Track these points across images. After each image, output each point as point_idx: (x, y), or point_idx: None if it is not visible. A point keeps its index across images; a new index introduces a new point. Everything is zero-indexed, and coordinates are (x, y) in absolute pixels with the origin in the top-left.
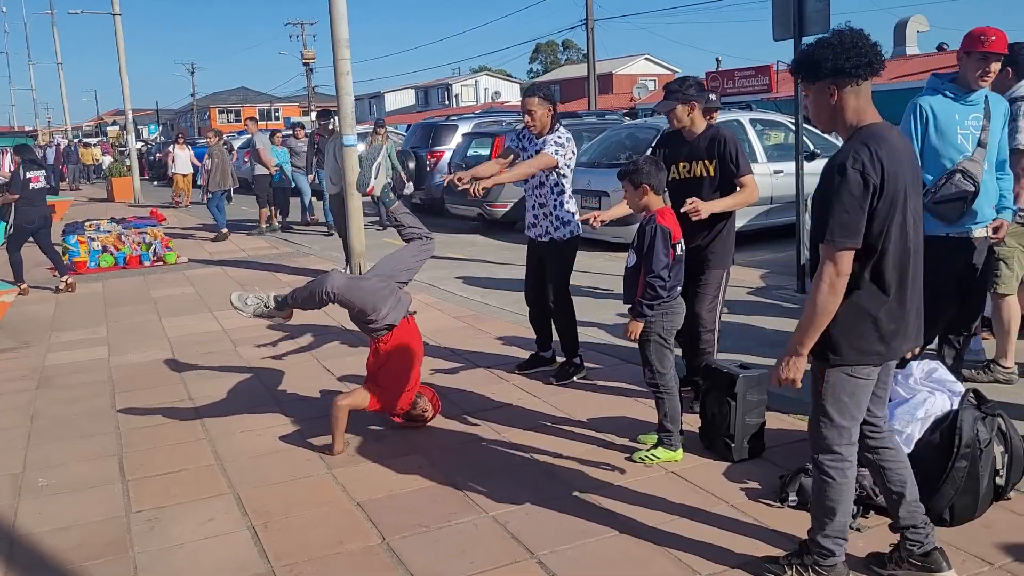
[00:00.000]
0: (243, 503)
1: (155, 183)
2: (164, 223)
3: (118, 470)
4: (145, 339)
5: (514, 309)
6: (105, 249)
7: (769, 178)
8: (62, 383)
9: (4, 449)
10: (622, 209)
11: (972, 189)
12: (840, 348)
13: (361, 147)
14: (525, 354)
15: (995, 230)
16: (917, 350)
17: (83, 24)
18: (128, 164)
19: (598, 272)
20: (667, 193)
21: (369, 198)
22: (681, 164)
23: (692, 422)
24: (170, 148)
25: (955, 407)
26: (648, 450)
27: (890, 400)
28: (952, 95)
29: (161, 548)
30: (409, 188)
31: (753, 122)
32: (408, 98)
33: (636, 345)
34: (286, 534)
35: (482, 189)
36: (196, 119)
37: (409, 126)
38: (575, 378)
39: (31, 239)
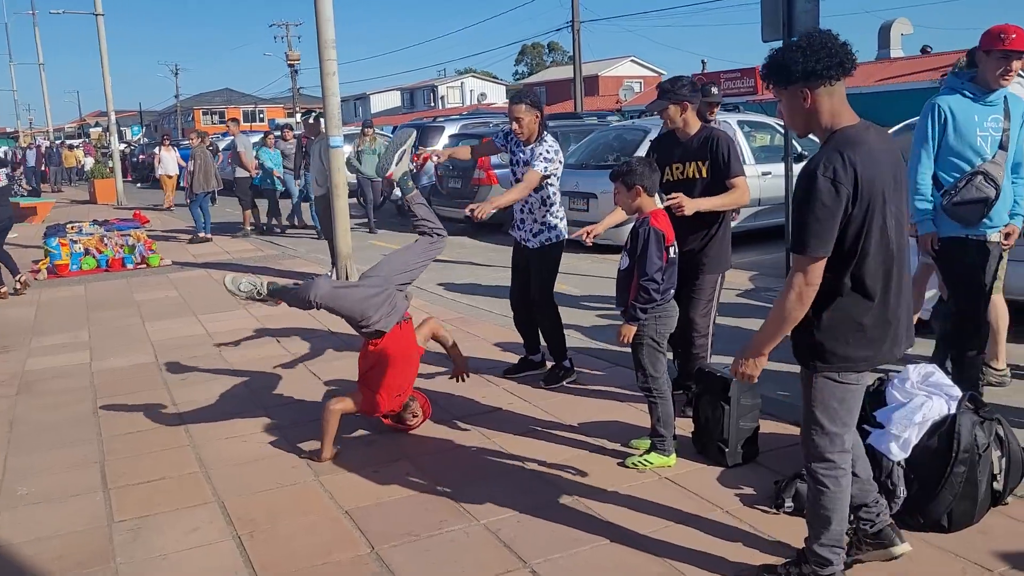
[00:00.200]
0: (228, 512)
1: (138, 185)
2: (147, 225)
3: (100, 478)
4: (128, 343)
5: (502, 312)
6: (87, 252)
7: (757, 180)
8: (43, 389)
9: None
10: (614, 219)
11: (994, 193)
12: (827, 355)
13: (347, 148)
14: (514, 358)
15: (1006, 236)
16: None
17: (65, 24)
18: (111, 166)
19: (585, 274)
20: (661, 195)
21: (353, 199)
22: (675, 166)
23: (684, 426)
24: (156, 150)
25: (952, 411)
26: (641, 455)
27: (887, 404)
28: (971, 95)
29: (144, 559)
30: (396, 193)
31: (741, 123)
32: (394, 100)
33: (628, 349)
34: (272, 544)
35: (483, 215)
36: (180, 120)
37: (395, 127)
38: (565, 382)
39: None
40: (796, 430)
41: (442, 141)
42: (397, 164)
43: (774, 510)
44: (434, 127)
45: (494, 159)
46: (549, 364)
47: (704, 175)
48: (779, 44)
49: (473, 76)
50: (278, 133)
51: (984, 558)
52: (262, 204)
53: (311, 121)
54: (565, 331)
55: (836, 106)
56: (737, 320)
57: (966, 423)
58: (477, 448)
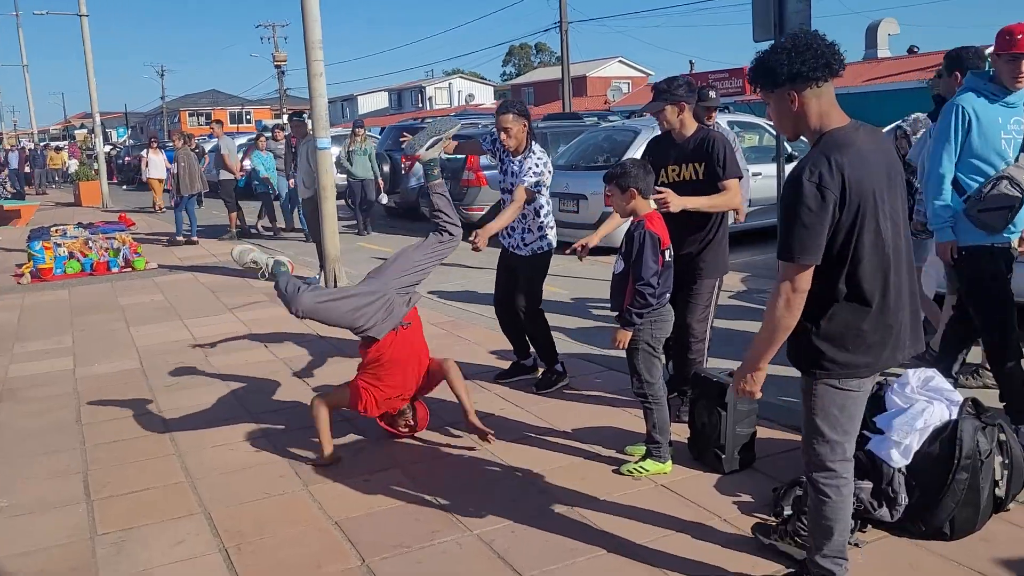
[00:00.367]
0: (214, 523)
1: (124, 187)
2: (133, 228)
3: (83, 489)
4: (113, 349)
5: (493, 315)
6: (72, 255)
7: (747, 180)
8: (25, 396)
9: None
10: (607, 228)
11: (1020, 196)
12: (826, 362)
13: (336, 150)
14: (506, 362)
15: (1021, 241)
16: None
17: (50, 25)
18: (96, 168)
19: (577, 276)
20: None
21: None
22: (671, 168)
23: (679, 432)
24: (144, 152)
25: (954, 417)
26: (636, 462)
27: (887, 409)
28: (993, 96)
29: (128, 573)
30: (383, 198)
31: (731, 124)
32: (381, 101)
33: (621, 353)
34: (260, 556)
35: (483, 245)
36: (166, 122)
37: (383, 129)
38: (558, 386)
39: None
40: (793, 435)
41: None
42: (428, 148)
43: (773, 518)
44: (422, 128)
45: (483, 160)
46: (541, 369)
47: (700, 177)
48: (771, 44)
49: (461, 77)
50: (268, 134)
51: (987, 566)
52: (255, 206)
53: (297, 121)
54: (556, 335)
55: (825, 107)
56: (730, 322)
57: (968, 429)
58: (469, 455)
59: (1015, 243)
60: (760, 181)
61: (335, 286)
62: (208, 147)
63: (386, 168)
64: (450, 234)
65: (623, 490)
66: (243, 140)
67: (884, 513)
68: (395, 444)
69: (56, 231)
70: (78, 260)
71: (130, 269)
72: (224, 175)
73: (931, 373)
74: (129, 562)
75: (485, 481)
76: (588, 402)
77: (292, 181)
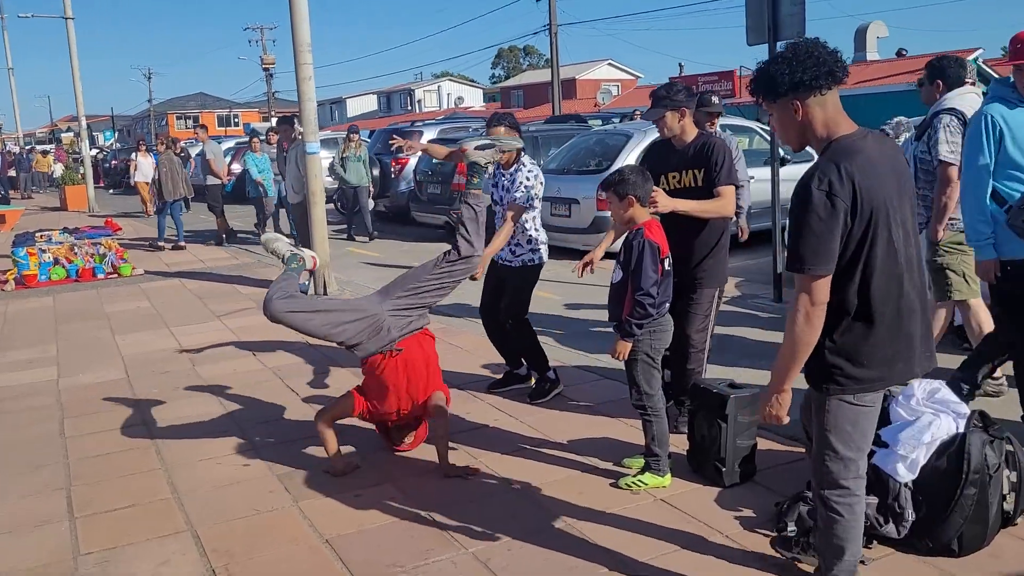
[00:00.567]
0: (202, 542)
1: (111, 191)
2: (119, 233)
3: (66, 506)
4: (98, 358)
5: None
6: (56, 261)
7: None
8: (6, 408)
9: None
10: (609, 240)
11: None
12: (840, 377)
13: (325, 154)
14: (498, 371)
15: None
16: None
17: (35, 28)
18: (82, 172)
19: (570, 282)
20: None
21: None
22: (671, 175)
23: (677, 443)
24: (132, 156)
25: (961, 430)
26: (635, 476)
27: (892, 423)
28: (1018, 103)
29: None
30: (370, 204)
31: (723, 127)
32: (370, 103)
33: (614, 361)
34: None
35: (483, 272)
36: (153, 125)
37: (372, 132)
38: (552, 395)
39: None
40: (794, 446)
41: None
42: (477, 147)
43: (776, 534)
44: (412, 131)
45: None
46: (534, 378)
47: (700, 184)
48: (764, 49)
49: (450, 80)
50: (263, 137)
51: None
52: (241, 210)
53: (285, 126)
54: (549, 342)
55: (831, 115)
56: (726, 328)
57: (976, 443)
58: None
59: None
60: (752, 185)
61: (324, 292)
62: (194, 151)
63: (375, 172)
64: (458, 252)
65: (622, 504)
66: (231, 144)
67: (891, 529)
68: (386, 458)
69: (41, 236)
70: (63, 266)
71: (116, 275)
72: (211, 180)
73: (937, 384)
74: None
75: (480, 496)
76: (583, 412)
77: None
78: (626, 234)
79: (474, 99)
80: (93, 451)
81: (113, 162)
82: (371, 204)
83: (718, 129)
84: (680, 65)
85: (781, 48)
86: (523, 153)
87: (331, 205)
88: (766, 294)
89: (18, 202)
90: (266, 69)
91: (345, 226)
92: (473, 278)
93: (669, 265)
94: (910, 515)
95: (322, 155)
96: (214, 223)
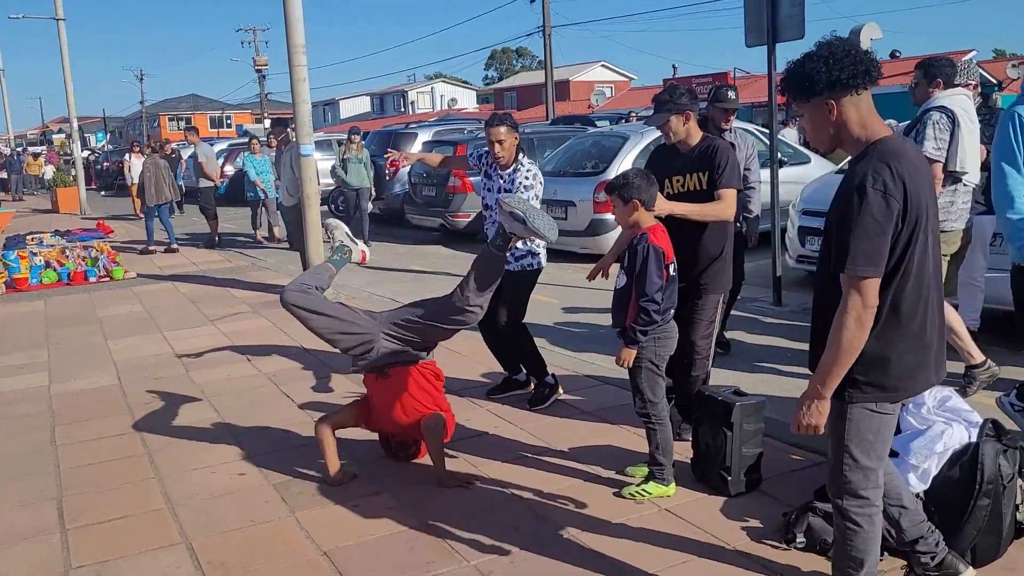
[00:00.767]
0: (197, 554)
1: (103, 193)
2: (112, 236)
3: (57, 517)
4: (90, 363)
5: None
6: (48, 265)
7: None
8: None
9: None
10: (619, 247)
11: None
12: (866, 385)
13: (318, 155)
14: (496, 377)
15: None
16: None
17: (26, 29)
18: (74, 174)
19: (568, 285)
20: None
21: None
22: (675, 179)
23: (680, 449)
24: (126, 157)
25: (973, 439)
26: (638, 485)
27: (903, 432)
28: None
29: None
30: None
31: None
32: (363, 105)
33: (614, 367)
34: None
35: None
36: (146, 127)
37: (366, 134)
38: (551, 401)
39: None
40: (798, 453)
41: (416, 147)
42: (520, 204)
43: (784, 545)
44: (407, 133)
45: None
46: (534, 384)
47: (705, 187)
48: (763, 51)
49: (443, 81)
50: (262, 139)
51: None
52: (234, 212)
53: (279, 128)
54: (548, 345)
55: (865, 116)
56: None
57: (989, 452)
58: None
59: None
60: None
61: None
62: (186, 154)
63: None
64: (465, 296)
65: (626, 515)
66: (223, 145)
67: None
68: (385, 467)
69: (32, 239)
70: (55, 269)
71: (108, 279)
72: (203, 182)
73: (948, 393)
74: None
75: (481, 506)
76: (583, 418)
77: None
78: (631, 239)
79: (467, 101)
80: (85, 460)
81: (105, 164)
82: (369, 207)
83: (733, 127)
84: (674, 67)
85: (812, 47)
86: (522, 153)
87: (325, 207)
88: (765, 297)
89: (9, 204)
90: (259, 70)
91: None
92: None
93: (674, 270)
94: None
95: (315, 157)
96: (207, 226)
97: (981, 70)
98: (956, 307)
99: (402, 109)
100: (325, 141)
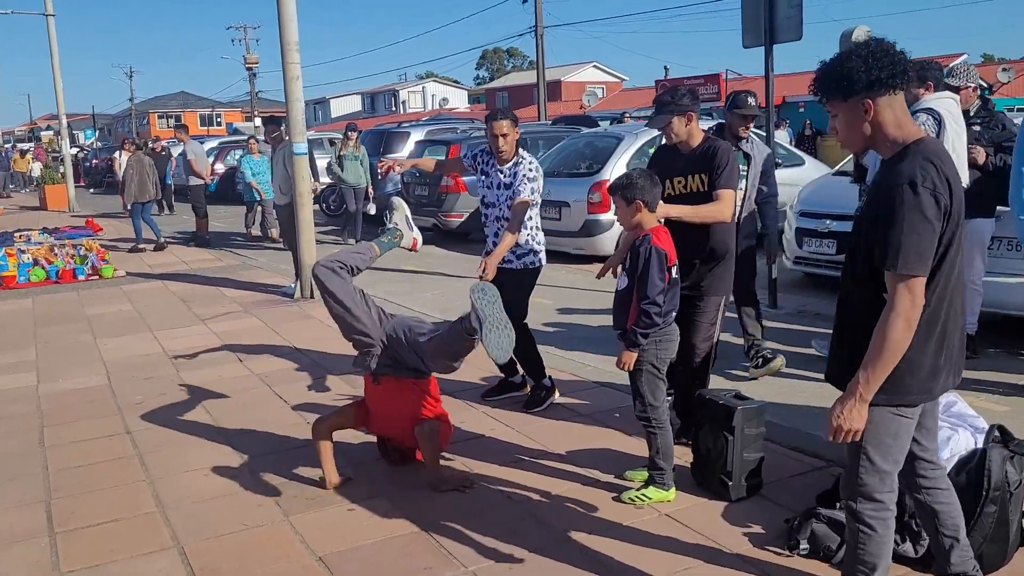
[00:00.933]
0: (189, 559)
1: (91, 191)
2: (101, 233)
3: (46, 520)
4: (79, 363)
5: None
6: (36, 262)
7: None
8: None
9: None
10: (625, 248)
11: None
12: (888, 386)
13: (317, 154)
14: (491, 379)
15: None
16: None
17: (15, 25)
18: (62, 171)
19: (563, 286)
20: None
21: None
22: (676, 180)
23: (679, 454)
24: (116, 154)
25: (979, 445)
26: (638, 490)
27: None
28: None
29: None
30: (371, 208)
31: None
32: (354, 104)
33: (610, 369)
34: None
35: (493, 272)
36: (135, 124)
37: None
38: (547, 403)
39: None
40: (798, 457)
41: (408, 147)
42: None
43: (788, 552)
44: (399, 132)
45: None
46: (530, 386)
47: (705, 189)
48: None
49: (435, 81)
50: (262, 138)
51: None
52: (227, 211)
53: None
54: (543, 347)
55: (900, 116)
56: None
57: (996, 458)
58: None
59: None
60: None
61: (311, 296)
62: (176, 151)
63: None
64: (468, 329)
65: (626, 520)
66: (214, 143)
67: (907, 548)
68: (380, 470)
69: (20, 236)
70: (43, 267)
71: (97, 277)
72: (193, 180)
73: (953, 398)
74: None
75: (478, 510)
76: (580, 421)
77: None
78: (633, 240)
79: (459, 100)
80: (74, 461)
81: (94, 161)
82: (371, 207)
83: (751, 134)
84: (666, 68)
85: (842, 52)
86: (519, 146)
87: (316, 206)
88: (761, 299)
89: None
90: (249, 68)
91: (333, 228)
92: (481, 278)
93: (676, 273)
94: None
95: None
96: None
97: None
98: None
99: (393, 108)
100: (316, 140)
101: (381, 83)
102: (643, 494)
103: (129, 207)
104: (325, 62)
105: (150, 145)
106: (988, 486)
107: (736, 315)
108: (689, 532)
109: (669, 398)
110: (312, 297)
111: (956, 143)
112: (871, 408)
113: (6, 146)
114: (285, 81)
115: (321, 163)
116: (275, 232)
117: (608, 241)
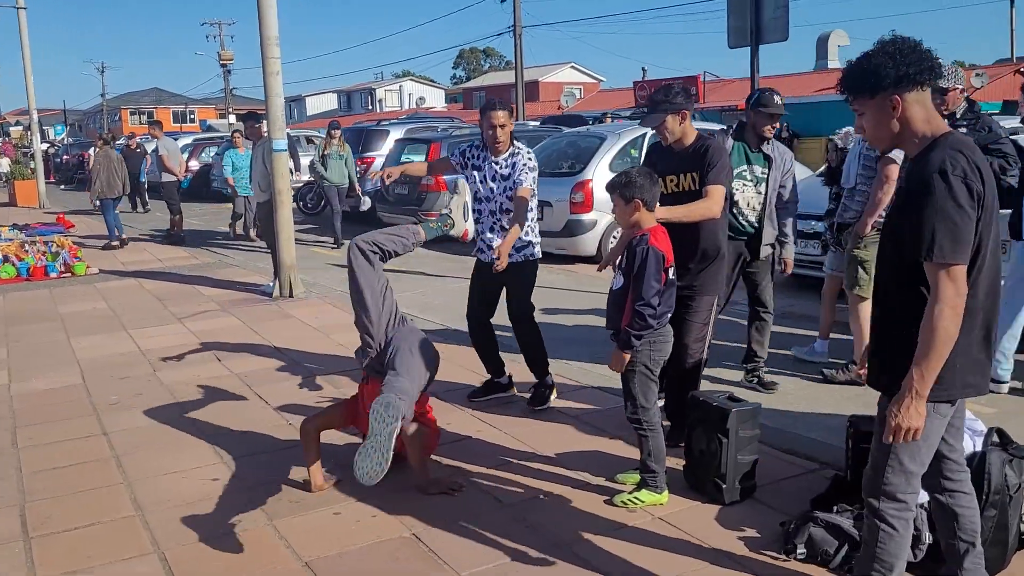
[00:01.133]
0: (170, 565)
1: (62, 187)
2: (72, 230)
3: (19, 525)
4: (52, 362)
5: (459, 326)
6: (6, 259)
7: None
8: None
9: None
10: (621, 246)
11: None
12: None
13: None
14: (477, 379)
15: None
16: None
17: None
18: (32, 167)
19: (550, 287)
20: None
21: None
22: (668, 178)
23: (671, 456)
24: (90, 151)
25: (978, 448)
26: (630, 493)
27: None
28: None
29: None
30: (366, 204)
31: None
32: (330, 102)
33: (599, 367)
34: None
35: (504, 263)
36: (106, 120)
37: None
38: (550, 401)
39: None
40: (791, 459)
41: (387, 144)
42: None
43: (784, 556)
44: (378, 131)
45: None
46: (514, 388)
47: (697, 187)
48: (746, 51)
49: (411, 79)
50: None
51: None
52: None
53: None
54: None
55: (929, 112)
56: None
57: (996, 462)
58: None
59: None
60: None
61: (290, 295)
62: (150, 148)
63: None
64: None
65: (618, 523)
66: (188, 140)
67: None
68: None
69: None
70: (13, 264)
71: (70, 274)
72: (166, 177)
73: None
74: None
75: (467, 514)
76: (569, 423)
77: None
78: (630, 239)
79: (436, 99)
80: (49, 464)
81: (65, 157)
82: (366, 203)
83: (773, 139)
84: (643, 69)
85: (868, 49)
86: (512, 138)
87: (294, 204)
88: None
89: None
90: (224, 65)
91: (310, 226)
92: (494, 269)
93: (673, 274)
94: (927, 538)
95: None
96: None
97: None
98: None
99: (370, 107)
100: (294, 137)
101: (357, 81)
102: (636, 497)
103: (98, 203)
104: (301, 59)
105: (126, 143)
106: (988, 490)
107: (733, 317)
108: (684, 536)
109: (660, 400)
110: (291, 296)
111: None
112: None
113: None
114: (265, 76)
115: (303, 161)
116: (253, 232)
117: (590, 241)
